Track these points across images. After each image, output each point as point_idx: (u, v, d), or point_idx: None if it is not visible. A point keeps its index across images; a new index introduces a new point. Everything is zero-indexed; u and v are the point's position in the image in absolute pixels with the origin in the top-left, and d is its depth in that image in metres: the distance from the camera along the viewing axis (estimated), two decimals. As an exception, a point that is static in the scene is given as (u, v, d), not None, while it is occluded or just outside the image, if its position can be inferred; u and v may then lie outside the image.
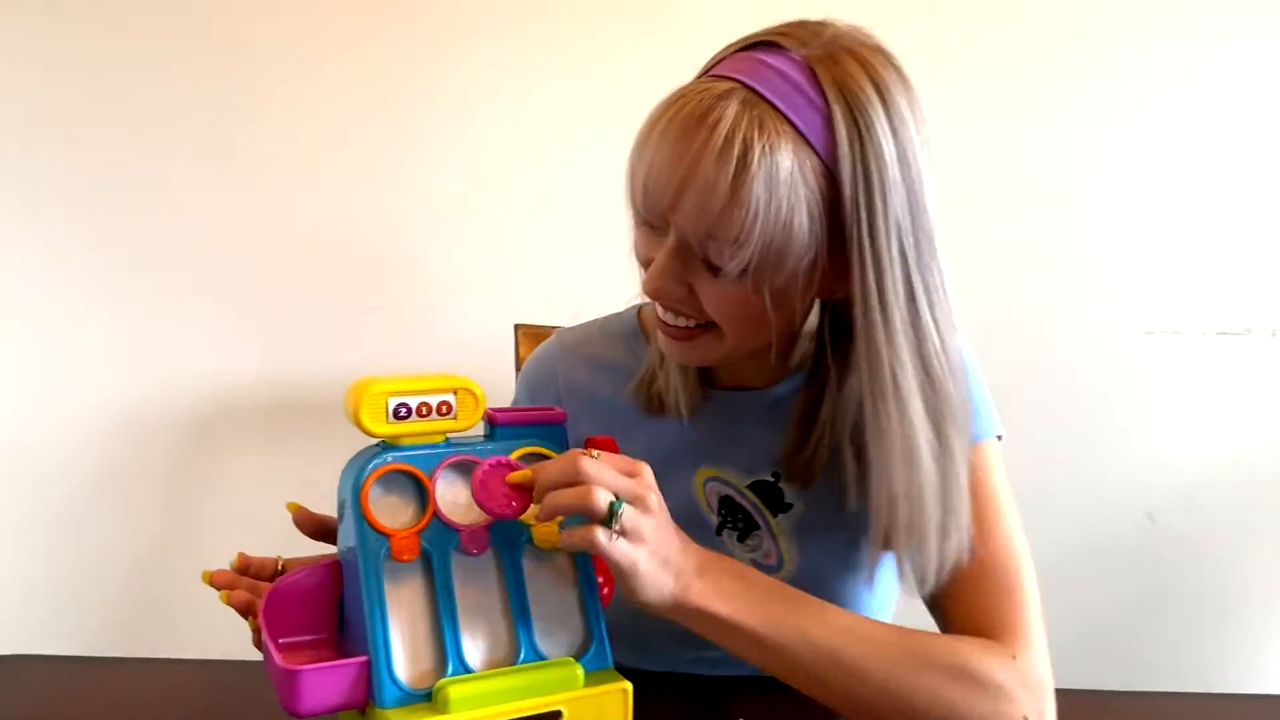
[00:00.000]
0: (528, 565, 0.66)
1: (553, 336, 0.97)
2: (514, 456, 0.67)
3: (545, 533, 0.65)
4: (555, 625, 0.66)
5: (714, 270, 0.71)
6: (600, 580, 0.69)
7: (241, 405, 1.62)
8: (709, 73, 0.72)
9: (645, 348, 0.90)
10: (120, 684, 0.82)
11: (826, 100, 0.67)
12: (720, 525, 0.86)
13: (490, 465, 0.64)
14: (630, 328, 0.93)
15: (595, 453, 0.64)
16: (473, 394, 0.66)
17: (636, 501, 0.64)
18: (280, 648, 0.63)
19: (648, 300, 0.78)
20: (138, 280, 1.60)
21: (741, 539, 0.86)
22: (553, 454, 0.68)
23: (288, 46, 1.55)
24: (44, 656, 0.82)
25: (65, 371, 1.61)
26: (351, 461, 0.66)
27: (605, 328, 0.95)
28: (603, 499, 0.62)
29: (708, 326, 0.75)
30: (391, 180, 1.59)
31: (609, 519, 0.62)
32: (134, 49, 1.55)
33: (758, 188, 0.66)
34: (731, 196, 0.66)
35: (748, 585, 0.69)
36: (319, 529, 0.70)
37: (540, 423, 0.69)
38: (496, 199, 1.59)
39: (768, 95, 0.67)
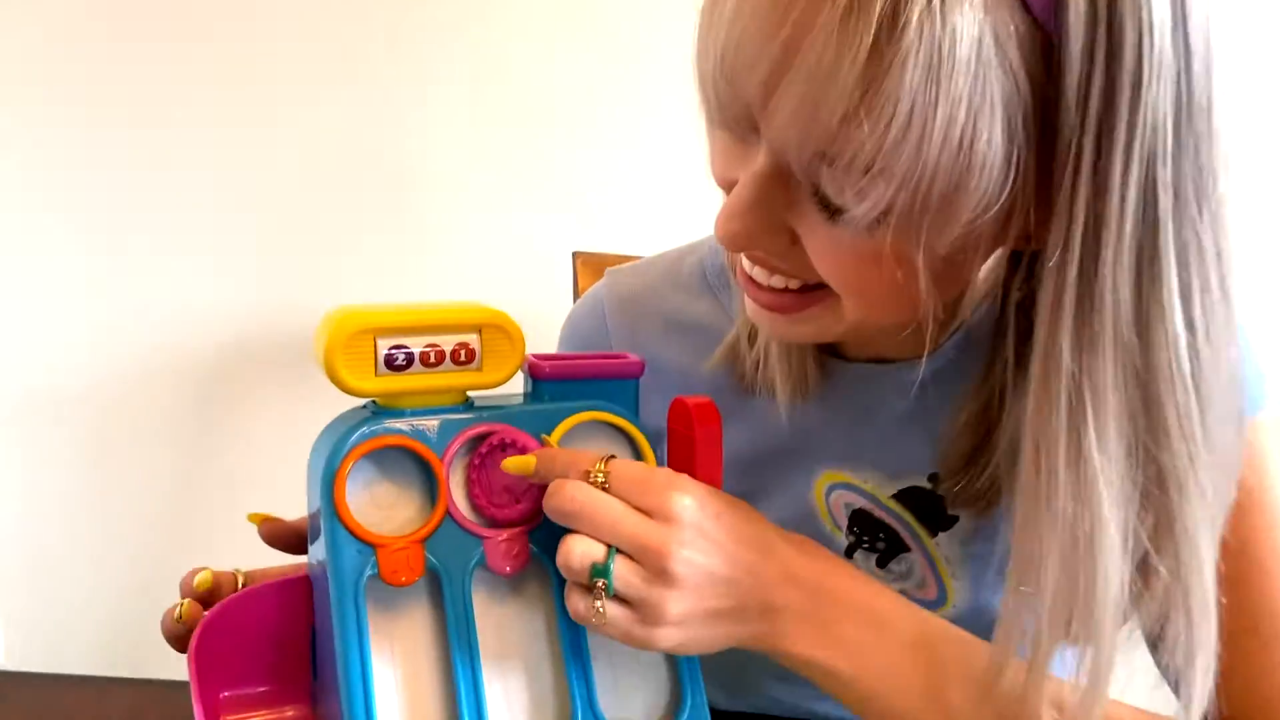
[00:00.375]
0: (587, 588, 0.44)
1: (600, 282, 0.69)
2: (562, 429, 0.45)
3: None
4: (628, 678, 0.45)
5: (830, 211, 0.43)
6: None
7: (266, 346, 1.45)
8: None
9: (737, 295, 0.61)
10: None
11: None
12: (852, 547, 0.61)
13: (494, 443, 0.43)
14: (714, 268, 0.65)
15: (601, 468, 0.43)
16: (505, 333, 0.43)
17: (643, 557, 0.42)
18: (215, 706, 0.43)
19: None
20: (158, 214, 1.44)
21: (882, 564, 0.61)
22: (624, 423, 0.46)
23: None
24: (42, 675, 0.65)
25: (76, 312, 1.47)
26: (326, 431, 0.44)
27: (676, 270, 0.67)
28: (579, 558, 0.42)
29: (818, 289, 0.48)
30: (432, 95, 1.39)
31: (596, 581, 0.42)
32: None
33: (911, 76, 0.37)
34: (863, 91, 0.38)
35: (887, 637, 0.46)
36: (301, 543, 0.49)
37: (605, 376, 0.47)
38: (546, 103, 1.37)
39: None
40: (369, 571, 0.41)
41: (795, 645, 0.45)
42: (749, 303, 0.51)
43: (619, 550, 0.42)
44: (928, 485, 0.58)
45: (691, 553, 0.42)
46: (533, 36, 1.37)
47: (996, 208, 0.40)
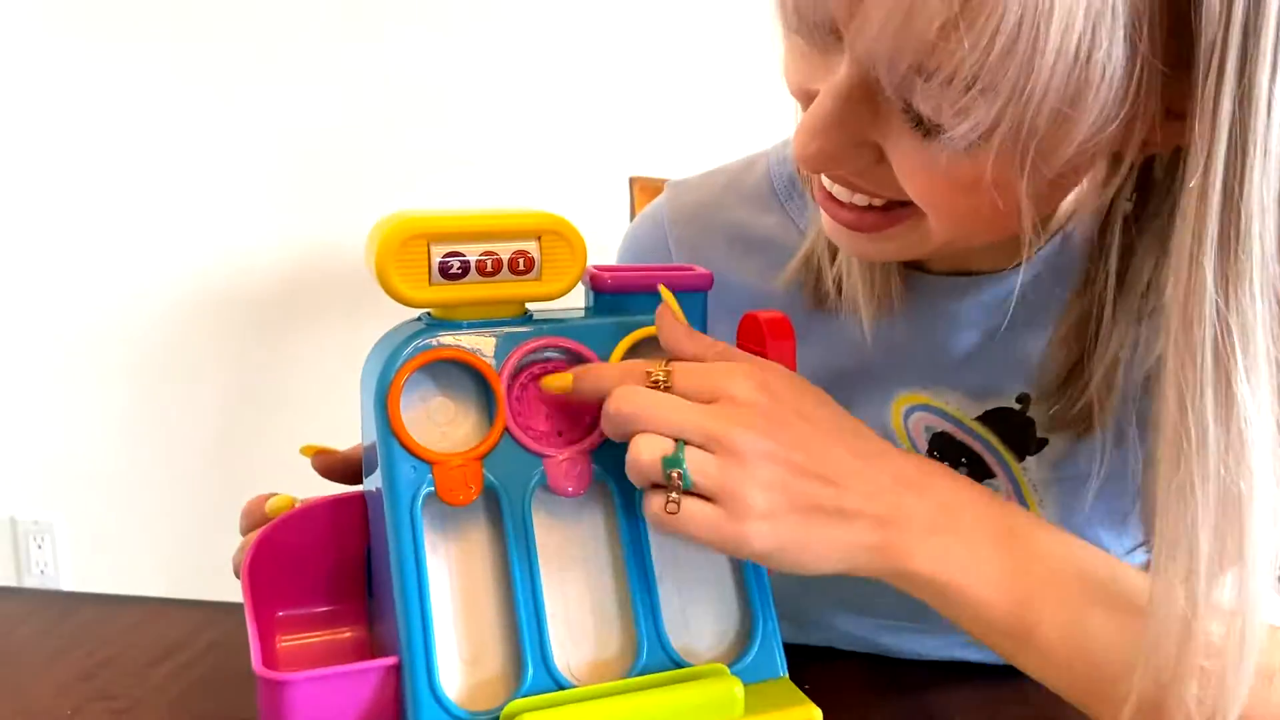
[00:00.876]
0: (653, 512, 0.42)
1: (661, 195, 0.66)
2: (626, 343, 0.42)
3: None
4: (695, 605, 0.42)
5: (924, 129, 0.38)
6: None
7: (320, 273, 1.44)
8: None
9: (808, 207, 0.58)
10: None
11: None
12: None
13: (536, 366, 0.41)
14: (781, 178, 0.61)
15: (662, 369, 0.40)
16: (566, 240, 0.41)
17: (711, 444, 0.39)
18: (271, 626, 0.42)
19: None
20: (215, 147, 1.43)
21: None
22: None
23: None
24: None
25: (136, 244, 1.48)
26: (380, 344, 0.42)
27: (741, 181, 0.63)
28: (648, 454, 0.38)
29: (904, 207, 0.44)
30: (483, 21, 1.35)
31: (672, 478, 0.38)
32: None
33: None
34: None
35: (1027, 560, 0.42)
36: (355, 475, 0.47)
37: (674, 288, 0.44)
38: (599, 21, 1.32)
39: None
40: (426, 489, 0.39)
41: (922, 564, 0.40)
42: (827, 221, 0.47)
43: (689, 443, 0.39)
44: (1016, 406, 0.55)
45: (755, 434, 0.38)
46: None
47: (1115, 125, 0.35)
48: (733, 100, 1.24)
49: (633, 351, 0.43)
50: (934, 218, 0.42)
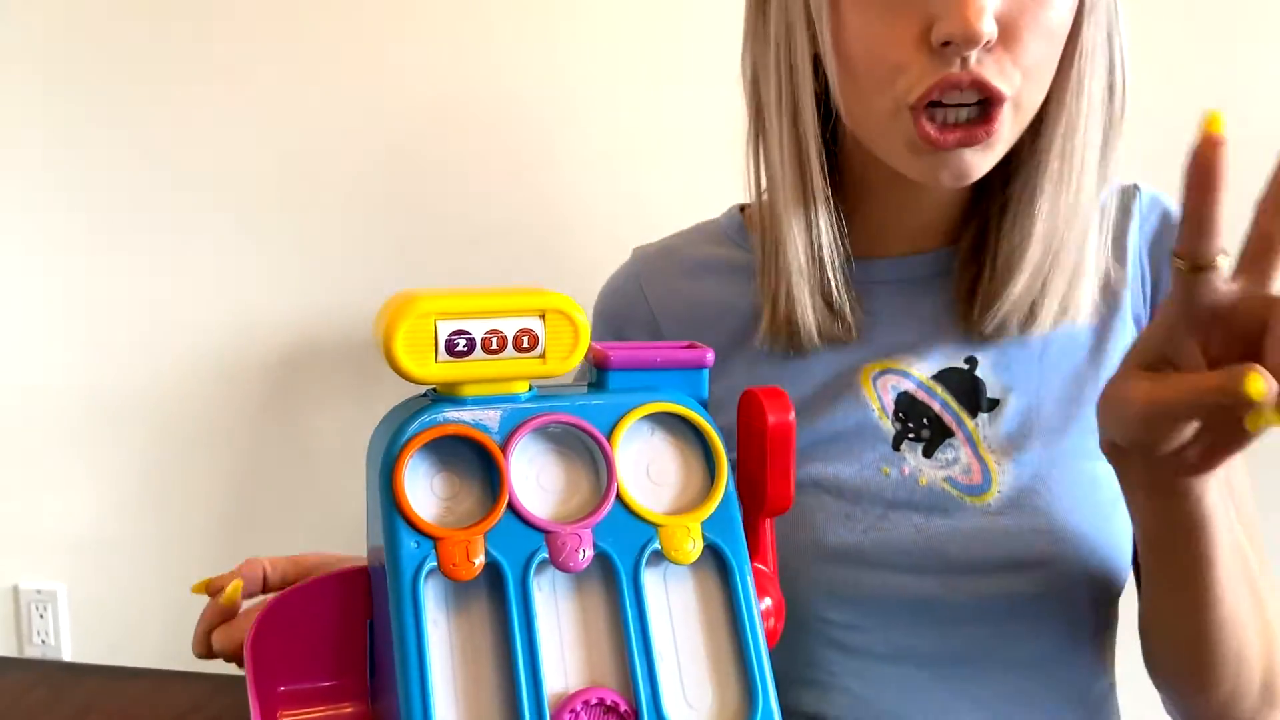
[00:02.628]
0: (653, 586, 0.42)
1: (629, 258, 0.79)
2: (635, 416, 0.43)
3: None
4: (696, 683, 0.42)
5: None
6: (766, 605, 0.45)
7: (324, 348, 1.45)
8: None
9: (754, 250, 0.69)
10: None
11: None
12: (899, 436, 0.64)
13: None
14: (733, 225, 0.74)
15: None
16: (570, 319, 0.42)
17: None
18: (273, 700, 0.42)
19: (746, 203, 0.67)
20: (215, 215, 1.45)
21: (928, 453, 0.64)
22: (692, 415, 0.44)
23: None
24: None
25: (138, 317, 1.50)
26: (386, 419, 0.43)
27: (698, 230, 0.77)
28: None
29: (995, 107, 0.56)
30: (494, 87, 1.38)
31: None
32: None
33: None
34: None
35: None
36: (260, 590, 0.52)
37: (674, 366, 0.45)
38: (612, 95, 1.35)
39: None
40: (429, 565, 0.39)
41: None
42: (925, 158, 0.58)
43: None
44: (965, 367, 0.65)
45: None
46: (591, 38, 1.35)
47: None
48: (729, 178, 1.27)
49: (634, 427, 0.44)
50: (1028, 94, 0.57)
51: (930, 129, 0.56)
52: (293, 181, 1.44)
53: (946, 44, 0.53)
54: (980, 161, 0.58)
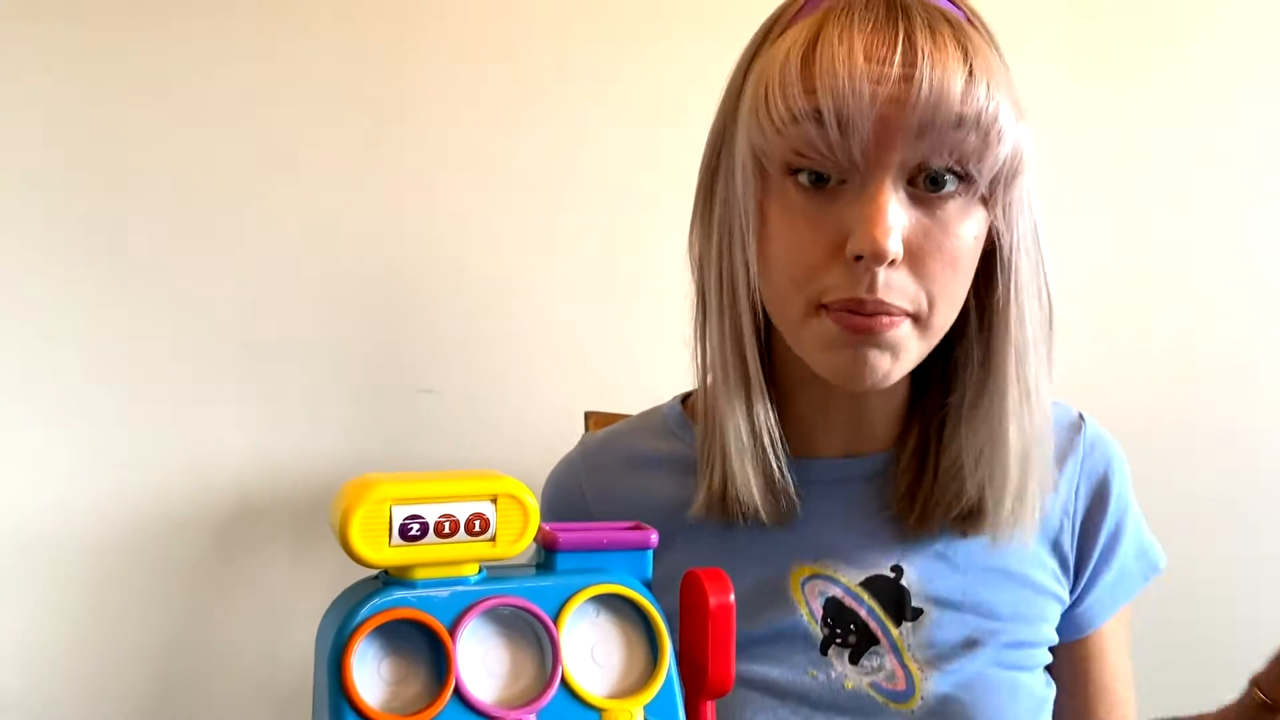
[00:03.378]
0: (598, 772, 0.43)
1: (576, 445, 0.80)
2: (581, 598, 0.44)
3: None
4: None
5: (951, 190, 0.58)
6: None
7: (272, 501, 1.44)
8: None
9: (696, 437, 0.70)
10: None
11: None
12: (827, 641, 0.66)
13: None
14: (675, 416, 0.76)
15: None
16: (520, 503, 0.43)
17: None
18: None
19: (690, 391, 0.70)
20: (167, 362, 1.45)
21: (855, 659, 0.65)
22: (637, 597, 0.45)
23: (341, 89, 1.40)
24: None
25: (82, 459, 1.46)
26: (336, 603, 0.44)
27: (640, 421, 0.78)
28: None
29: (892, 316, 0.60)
30: (444, 252, 1.43)
31: None
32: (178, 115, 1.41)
33: (991, 59, 0.57)
34: (969, 74, 0.55)
35: None
36: None
37: (619, 547, 0.47)
38: (565, 266, 1.40)
39: None
40: (373, 752, 0.40)
41: None
42: (841, 354, 0.60)
43: None
44: (890, 575, 0.66)
45: None
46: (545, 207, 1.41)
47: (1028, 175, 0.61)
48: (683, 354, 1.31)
49: (581, 609, 0.45)
50: (938, 307, 0.60)
51: (841, 317, 0.59)
52: (251, 331, 1.46)
53: (859, 258, 0.57)
54: (884, 366, 0.60)
